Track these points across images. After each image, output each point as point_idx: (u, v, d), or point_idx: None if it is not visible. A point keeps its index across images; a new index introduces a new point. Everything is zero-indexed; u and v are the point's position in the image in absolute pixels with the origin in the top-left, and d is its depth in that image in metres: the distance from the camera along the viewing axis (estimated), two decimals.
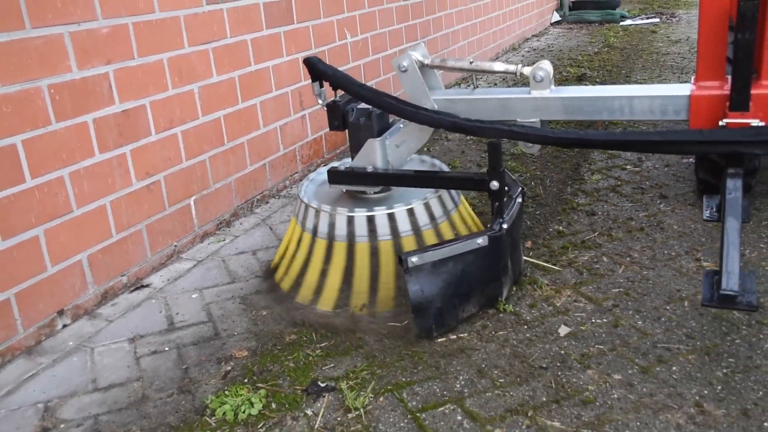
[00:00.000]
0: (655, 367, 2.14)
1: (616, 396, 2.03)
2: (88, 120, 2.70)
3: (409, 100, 2.60)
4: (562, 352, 2.26)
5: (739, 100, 2.24)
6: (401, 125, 2.69)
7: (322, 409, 2.07)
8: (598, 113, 2.46)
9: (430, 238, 2.56)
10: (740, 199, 2.20)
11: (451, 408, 2.03)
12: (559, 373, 2.15)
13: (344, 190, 2.79)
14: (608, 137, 2.34)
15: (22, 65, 2.42)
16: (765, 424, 1.87)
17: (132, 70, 2.89)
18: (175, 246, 3.20)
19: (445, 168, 2.88)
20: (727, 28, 2.34)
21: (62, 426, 2.09)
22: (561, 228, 3.21)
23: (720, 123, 2.27)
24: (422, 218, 2.57)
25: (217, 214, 3.47)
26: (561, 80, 6.38)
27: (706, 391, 2.02)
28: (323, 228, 2.59)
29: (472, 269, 2.37)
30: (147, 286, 2.95)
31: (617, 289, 2.62)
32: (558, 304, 2.55)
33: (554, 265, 2.85)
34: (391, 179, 2.67)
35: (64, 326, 2.66)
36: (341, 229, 2.54)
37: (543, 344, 2.31)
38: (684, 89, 2.38)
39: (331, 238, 2.57)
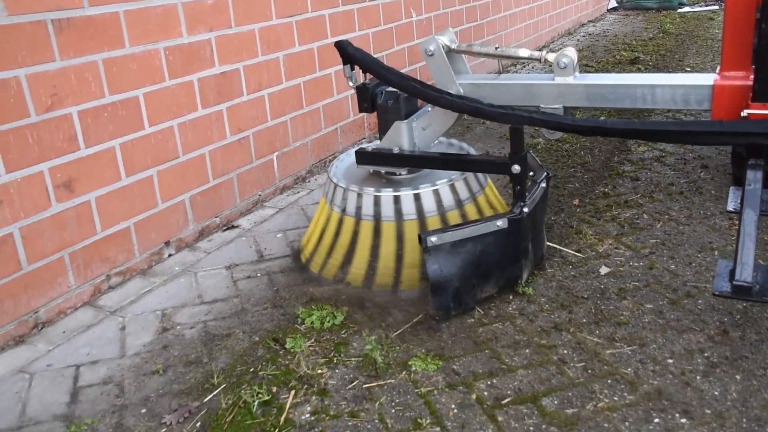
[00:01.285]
0: (683, 300, 2.47)
1: (646, 320, 2.36)
2: (194, 79, 3.13)
3: (435, 84, 2.66)
4: (602, 286, 2.60)
5: (762, 91, 2.22)
6: (429, 108, 2.73)
7: (398, 323, 2.45)
8: (621, 101, 2.46)
9: (454, 219, 2.63)
10: (759, 191, 2.19)
11: (506, 324, 2.39)
12: (599, 302, 2.49)
13: (371, 171, 2.85)
14: (627, 126, 2.31)
15: (147, 30, 2.85)
16: None
17: (230, 37, 3.31)
18: (260, 195, 3.62)
19: (472, 151, 2.92)
20: (754, 18, 2.30)
21: (178, 327, 2.52)
22: (606, 190, 3.52)
23: (742, 114, 2.26)
24: (447, 199, 2.62)
25: (295, 170, 3.88)
26: (614, 63, 6.61)
27: (726, 319, 2.33)
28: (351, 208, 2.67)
29: (492, 251, 2.42)
30: (237, 227, 3.38)
31: (654, 240, 2.93)
32: (600, 250, 2.88)
33: (599, 219, 3.17)
34: (416, 161, 2.71)
35: (170, 255, 3.10)
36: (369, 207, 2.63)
37: (585, 280, 2.65)
38: (708, 79, 2.37)
39: (358, 218, 2.65)
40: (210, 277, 2.89)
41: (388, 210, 2.61)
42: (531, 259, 2.60)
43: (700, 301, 2.45)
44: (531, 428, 1.89)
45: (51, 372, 2.30)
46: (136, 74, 2.83)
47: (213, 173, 3.29)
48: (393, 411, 1.99)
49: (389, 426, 1.93)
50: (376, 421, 1.95)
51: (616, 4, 10.82)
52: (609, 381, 2.06)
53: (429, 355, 2.23)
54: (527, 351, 2.23)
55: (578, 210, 3.29)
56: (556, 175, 3.76)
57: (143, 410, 2.09)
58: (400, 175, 2.79)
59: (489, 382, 2.09)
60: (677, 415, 1.90)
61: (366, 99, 2.76)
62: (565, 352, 2.22)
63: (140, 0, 2.81)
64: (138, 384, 2.21)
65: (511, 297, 2.55)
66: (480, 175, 2.77)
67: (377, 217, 2.62)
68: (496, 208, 2.80)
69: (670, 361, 2.13)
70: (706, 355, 2.15)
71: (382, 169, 2.80)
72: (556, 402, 1.98)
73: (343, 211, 2.70)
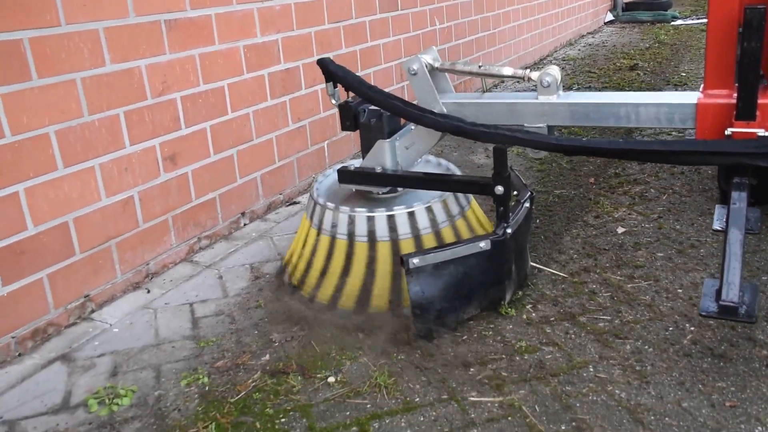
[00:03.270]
0: (688, 249, 2.98)
1: (659, 264, 2.87)
2: (265, 73, 3.65)
3: (419, 102, 2.63)
4: (620, 241, 3.11)
5: (745, 109, 2.19)
6: (412, 127, 2.70)
7: None
8: (605, 120, 2.44)
9: (429, 242, 2.58)
10: (744, 210, 2.17)
11: (538, 267, 2.90)
12: (618, 252, 3.01)
13: (353, 190, 2.81)
14: (611, 145, 2.27)
15: (231, 30, 3.37)
16: (763, 278, 2.69)
17: (292, 38, 3.83)
18: (314, 176, 4.13)
19: (456, 170, 2.88)
20: (736, 35, 2.28)
21: (267, 276, 3.02)
22: (617, 171, 4.05)
23: (726, 132, 2.23)
24: (422, 221, 2.58)
25: (341, 156, 4.40)
26: (615, 70, 7.17)
27: None
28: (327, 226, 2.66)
29: (474, 273, 2.41)
30: (297, 203, 3.89)
31: (661, 208, 3.45)
32: (616, 216, 3.40)
33: (612, 193, 3.69)
34: (398, 180, 2.68)
35: (245, 224, 3.60)
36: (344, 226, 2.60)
37: (605, 237, 3.17)
38: (691, 97, 2.34)
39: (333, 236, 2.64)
40: (284, 240, 3.38)
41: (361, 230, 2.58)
42: (514, 279, 2.60)
43: (701, 250, 2.96)
44: (572, 335, 2.39)
45: (170, 308, 2.80)
46: (222, 68, 3.35)
47: (278, 155, 3.80)
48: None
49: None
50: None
51: (612, 18, 11.42)
52: (631, 305, 2.57)
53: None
54: (563, 286, 2.74)
55: (594, 186, 3.81)
56: (572, 160, 4.28)
57: (255, 332, 2.58)
58: (380, 194, 2.75)
59: (534, 306, 2.59)
60: (687, 324, 2.41)
61: (349, 117, 2.71)
62: (594, 286, 2.73)
63: (227, 5, 3.33)
64: (245, 315, 2.70)
65: (539, 247, 3.06)
66: (462, 195, 2.74)
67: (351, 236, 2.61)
68: (475, 230, 2.75)
69: (680, 291, 2.64)
70: None
71: (361, 188, 2.77)
72: (590, 319, 2.49)
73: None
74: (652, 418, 1.97)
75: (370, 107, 2.70)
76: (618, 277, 2.78)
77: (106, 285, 2.84)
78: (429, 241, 2.57)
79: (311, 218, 2.74)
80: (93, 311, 2.78)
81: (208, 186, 3.33)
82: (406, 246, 2.55)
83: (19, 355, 2.50)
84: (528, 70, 2.53)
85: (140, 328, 2.65)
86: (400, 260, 2.38)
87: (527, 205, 2.65)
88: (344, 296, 2.62)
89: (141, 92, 2.91)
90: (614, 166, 4.13)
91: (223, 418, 2.10)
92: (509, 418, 2.01)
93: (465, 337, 2.43)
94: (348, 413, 2.09)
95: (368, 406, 2.12)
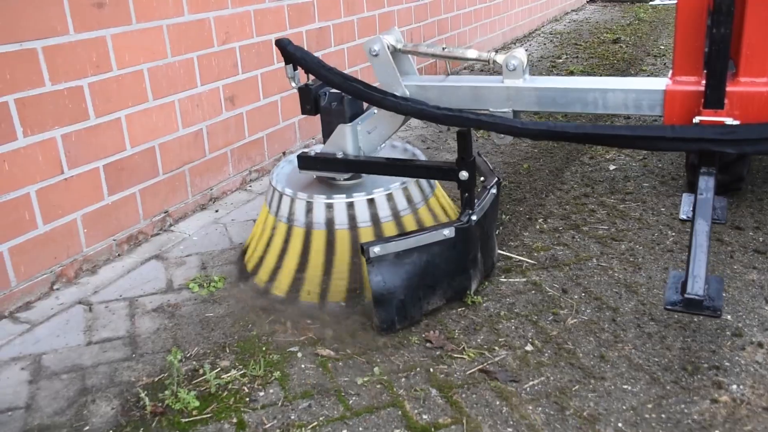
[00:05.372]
0: (669, 181, 3.56)
1: (645, 191, 3.45)
2: (303, 30, 4.14)
3: (380, 85, 2.53)
4: (612, 175, 3.69)
5: (713, 97, 2.16)
6: (374, 111, 2.59)
7: None
8: (572, 105, 2.39)
9: (389, 231, 2.51)
10: (711, 200, 2.16)
11: (548, 197, 3.46)
12: (611, 183, 3.58)
13: (315, 177, 2.72)
14: (578, 130, 2.20)
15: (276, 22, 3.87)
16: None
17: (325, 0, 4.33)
18: None
19: (422, 156, 2.80)
20: (705, 22, 2.24)
21: None
22: (611, 121, 4.62)
23: (694, 120, 2.20)
24: (383, 209, 2.51)
25: None
26: (599, 43, 7.74)
27: None
28: (284, 213, 2.58)
29: (438, 261, 2.33)
30: None
31: (645, 153, 4.03)
32: (608, 157, 3.97)
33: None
34: (359, 166, 2.58)
35: None
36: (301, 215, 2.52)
37: (599, 172, 3.74)
38: (659, 84, 2.30)
39: (290, 224, 2.55)
40: None
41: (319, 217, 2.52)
42: (480, 268, 2.53)
43: (680, 182, 3.54)
44: (578, 239, 2.96)
45: (237, 223, 3.31)
46: (271, 23, 3.84)
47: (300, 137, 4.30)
48: None
49: None
50: None
51: None
52: (624, 219, 3.14)
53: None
54: (567, 206, 3.31)
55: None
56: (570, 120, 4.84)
57: None
58: (342, 180, 2.66)
59: (545, 220, 3.15)
60: (669, 231, 2.98)
61: (309, 101, 2.60)
62: (593, 207, 3.30)
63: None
64: None
65: (536, 174, 3.63)
66: (425, 181, 2.67)
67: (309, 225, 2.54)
68: (439, 217, 2.68)
69: (663, 209, 3.22)
70: None
71: (322, 174, 2.68)
72: (591, 228, 3.06)
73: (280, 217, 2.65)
74: (644, 290, 2.54)
75: (331, 90, 2.60)
76: (612, 200, 3.35)
77: (180, 204, 3.34)
78: (390, 230, 2.50)
79: (269, 205, 2.68)
80: (171, 225, 3.28)
81: (258, 126, 3.83)
82: (366, 234, 2.47)
83: (119, 255, 3.01)
84: (493, 53, 2.45)
85: (216, 237, 3.16)
86: (360, 249, 2.28)
87: (494, 191, 2.58)
88: (303, 288, 2.53)
89: (209, 40, 3.40)
90: (605, 119, 4.70)
91: None
92: (532, 292, 2.57)
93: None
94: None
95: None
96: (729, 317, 2.33)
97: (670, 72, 2.35)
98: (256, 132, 3.82)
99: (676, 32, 2.30)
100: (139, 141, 3.05)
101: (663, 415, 1.90)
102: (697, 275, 2.01)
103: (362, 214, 2.48)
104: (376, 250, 2.21)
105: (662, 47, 7.31)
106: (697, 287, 1.99)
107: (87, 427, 1.97)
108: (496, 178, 2.64)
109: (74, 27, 2.69)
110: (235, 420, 1.97)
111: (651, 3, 11.32)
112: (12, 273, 2.55)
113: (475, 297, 2.51)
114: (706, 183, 2.19)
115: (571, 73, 6.09)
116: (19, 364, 2.27)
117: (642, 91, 2.30)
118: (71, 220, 2.77)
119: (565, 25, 9.28)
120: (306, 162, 2.64)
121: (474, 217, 2.36)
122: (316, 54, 3.75)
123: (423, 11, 5.75)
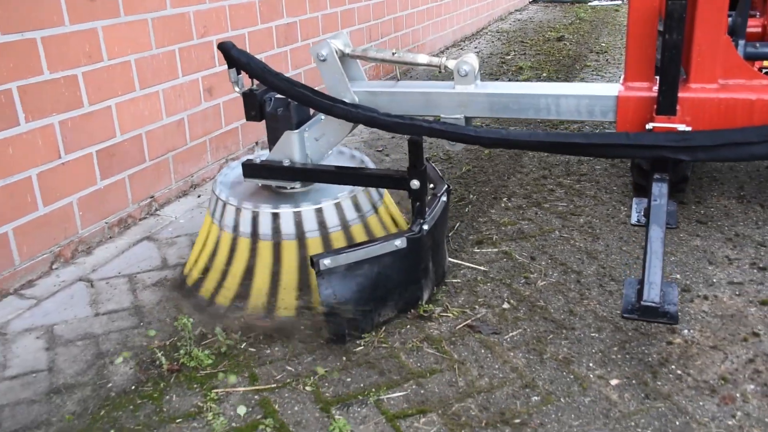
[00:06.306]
0: (618, 163, 3.89)
1: (598, 172, 3.76)
2: (272, 26, 4.33)
3: (328, 91, 2.46)
4: (567, 159, 3.99)
5: (666, 103, 2.15)
6: (322, 117, 2.51)
7: None
8: (524, 111, 2.35)
9: (338, 241, 2.44)
10: (665, 206, 2.15)
11: (510, 179, 3.74)
12: (566, 166, 3.88)
13: (259, 185, 2.62)
14: (531, 137, 2.20)
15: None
16: None
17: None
18: None
19: (370, 164, 2.72)
20: (657, 27, 2.24)
21: None
22: None
23: (647, 126, 2.19)
24: (331, 219, 2.44)
25: None
26: (544, 41, 8.12)
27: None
28: (229, 223, 2.49)
29: (390, 272, 2.29)
30: None
31: None
32: None
33: (554, 128, 4.58)
34: (306, 174, 2.49)
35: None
36: (246, 226, 2.44)
37: (555, 157, 4.03)
38: (612, 89, 2.28)
39: (236, 234, 2.46)
40: None
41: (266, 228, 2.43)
42: (432, 278, 2.51)
43: (628, 162, 3.87)
44: (540, 215, 3.24)
45: None
46: (244, 18, 4.01)
47: None
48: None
49: None
50: None
51: None
52: (580, 197, 3.44)
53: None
54: (529, 187, 3.60)
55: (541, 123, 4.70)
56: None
57: None
58: (290, 189, 2.56)
59: (509, 199, 3.43)
60: (622, 207, 3.30)
61: (254, 107, 2.50)
62: (551, 187, 3.59)
63: None
64: None
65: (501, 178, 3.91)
66: (374, 190, 2.61)
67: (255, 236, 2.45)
68: (388, 227, 2.63)
69: (615, 188, 3.54)
70: None
71: (268, 183, 2.58)
72: (552, 205, 3.35)
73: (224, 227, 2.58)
74: (603, 256, 2.84)
75: (276, 95, 2.50)
76: (569, 181, 3.66)
77: (164, 189, 3.49)
78: (338, 240, 2.44)
79: (212, 214, 2.58)
80: (157, 210, 3.44)
81: (234, 116, 4.00)
82: (314, 245, 2.40)
83: (111, 237, 3.15)
84: (444, 59, 2.40)
85: (202, 220, 3.32)
86: (309, 261, 2.22)
87: (444, 199, 2.55)
88: (249, 300, 2.44)
89: (189, 33, 3.56)
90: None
91: None
92: (504, 260, 2.83)
93: (459, 223, 3.24)
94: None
95: None
96: (678, 276, 2.64)
97: (622, 77, 2.34)
98: (231, 122, 3.99)
99: (628, 38, 2.27)
100: (128, 128, 3.20)
101: (627, 356, 2.18)
102: (652, 282, 2.02)
103: (310, 224, 2.41)
104: (326, 262, 2.16)
105: (603, 44, 7.73)
106: (653, 294, 2.00)
107: (110, 384, 2.13)
108: (446, 185, 2.62)
109: (69, 18, 2.83)
110: (247, 374, 2.17)
111: (590, 4, 11.84)
112: (16, 252, 2.68)
113: (428, 306, 2.49)
114: (660, 189, 2.20)
115: (521, 69, 6.43)
116: (33, 333, 2.41)
117: (595, 97, 2.28)
118: (68, 203, 2.90)
119: (510, 24, 9.67)
120: (251, 170, 2.55)
121: (425, 227, 2.33)
122: (284, 49, 3.93)
123: (380, 9, 5.99)
